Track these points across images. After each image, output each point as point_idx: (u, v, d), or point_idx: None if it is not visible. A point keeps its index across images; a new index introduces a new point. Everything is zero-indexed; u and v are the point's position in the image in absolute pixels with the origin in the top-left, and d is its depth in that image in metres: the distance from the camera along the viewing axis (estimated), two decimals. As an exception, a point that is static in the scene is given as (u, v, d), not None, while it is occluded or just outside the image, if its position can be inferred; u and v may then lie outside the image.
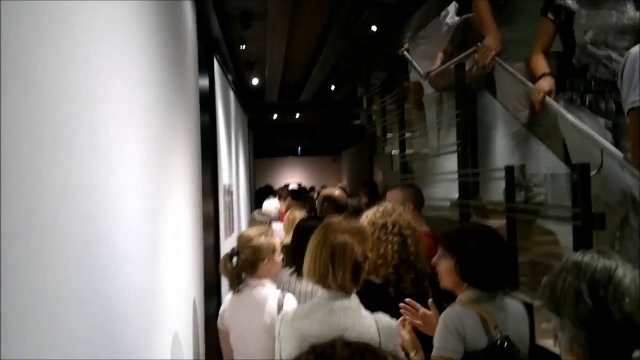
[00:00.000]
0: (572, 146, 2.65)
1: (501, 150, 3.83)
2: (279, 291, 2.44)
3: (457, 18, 4.34)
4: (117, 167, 1.44)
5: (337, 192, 3.55)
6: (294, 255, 2.53)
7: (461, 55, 3.68)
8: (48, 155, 0.96)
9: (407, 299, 1.89)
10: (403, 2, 4.35)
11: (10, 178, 0.80)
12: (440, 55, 4.05)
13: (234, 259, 2.47)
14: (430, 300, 1.88)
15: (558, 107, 2.57)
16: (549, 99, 2.60)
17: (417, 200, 2.92)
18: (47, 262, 0.94)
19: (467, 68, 3.61)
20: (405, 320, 1.86)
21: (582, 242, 2.22)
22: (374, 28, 5.32)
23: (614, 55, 2.42)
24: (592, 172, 2.29)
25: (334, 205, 3.27)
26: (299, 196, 6.85)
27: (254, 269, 2.45)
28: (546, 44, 2.70)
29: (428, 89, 4.46)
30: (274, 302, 2.37)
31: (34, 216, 0.90)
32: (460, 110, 3.52)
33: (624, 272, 1.02)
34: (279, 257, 2.52)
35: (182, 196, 2.71)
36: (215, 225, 4.07)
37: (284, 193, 6.65)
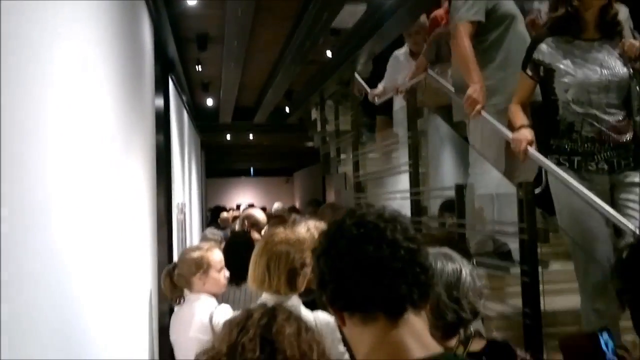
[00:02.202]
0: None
1: (451, 170, 4.02)
2: (214, 304, 2.45)
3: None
4: (72, 186, 1.45)
5: (257, 212, 4.11)
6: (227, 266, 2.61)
7: (412, 81, 3.86)
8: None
9: None
10: (356, 29, 4.53)
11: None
12: (414, 70, 3.95)
13: (174, 273, 2.52)
14: None
15: (542, 158, 2.42)
16: (532, 150, 2.43)
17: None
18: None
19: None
20: None
21: (527, 254, 2.38)
22: (328, 53, 5.49)
23: (599, 113, 2.26)
24: (537, 190, 2.47)
25: (251, 222, 3.86)
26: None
27: (188, 283, 2.50)
28: (524, 99, 2.53)
29: (396, 104, 4.50)
30: (202, 316, 2.38)
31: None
32: (412, 131, 3.68)
33: (466, 271, 1.33)
34: (217, 272, 2.52)
35: (137, 214, 2.72)
36: (169, 244, 4.05)
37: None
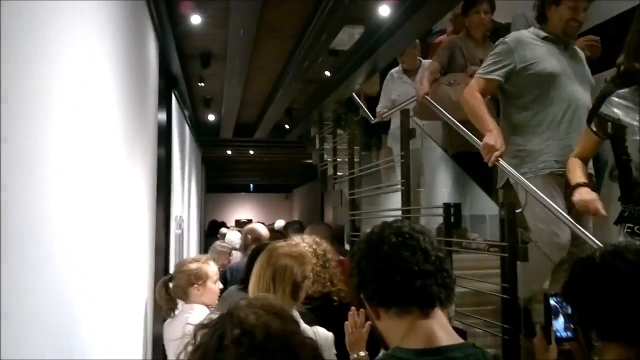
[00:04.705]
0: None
1: (443, 191, 4.13)
2: (205, 314, 2.52)
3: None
4: (74, 193, 1.51)
5: (259, 226, 4.23)
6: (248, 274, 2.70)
7: (406, 102, 3.99)
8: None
9: (353, 308, 2.07)
10: (355, 51, 4.67)
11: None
12: (426, 74, 3.84)
13: (170, 285, 2.60)
14: (362, 310, 2.06)
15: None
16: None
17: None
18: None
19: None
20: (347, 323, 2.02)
21: (508, 272, 2.48)
22: (327, 73, 5.63)
23: None
24: (518, 210, 2.58)
25: (254, 237, 3.97)
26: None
27: (185, 294, 2.58)
28: (585, 155, 2.27)
29: (393, 123, 4.54)
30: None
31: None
32: (405, 152, 3.79)
33: None
34: (213, 284, 2.62)
35: (137, 225, 2.82)
36: (166, 255, 4.13)
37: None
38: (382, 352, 1.77)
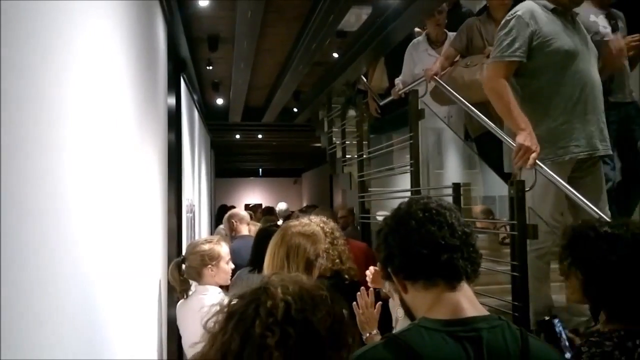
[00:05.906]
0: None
1: (452, 171, 4.13)
2: (221, 295, 2.54)
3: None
4: (89, 180, 1.50)
5: (240, 210, 4.69)
6: (256, 255, 2.73)
7: (415, 82, 3.96)
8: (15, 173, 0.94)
9: (362, 288, 2.11)
10: (363, 32, 4.65)
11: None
12: (441, 60, 3.70)
13: (183, 266, 2.63)
14: (371, 289, 2.09)
15: None
16: None
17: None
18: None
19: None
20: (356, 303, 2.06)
21: (518, 250, 2.48)
22: (335, 55, 5.61)
23: None
24: (526, 189, 2.56)
25: (239, 219, 4.37)
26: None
27: (199, 275, 2.60)
28: None
29: None
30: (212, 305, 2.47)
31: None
32: (414, 133, 3.78)
33: None
34: (226, 264, 2.65)
35: (149, 210, 2.83)
36: (179, 240, 4.17)
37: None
38: (397, 320, 1.79)
